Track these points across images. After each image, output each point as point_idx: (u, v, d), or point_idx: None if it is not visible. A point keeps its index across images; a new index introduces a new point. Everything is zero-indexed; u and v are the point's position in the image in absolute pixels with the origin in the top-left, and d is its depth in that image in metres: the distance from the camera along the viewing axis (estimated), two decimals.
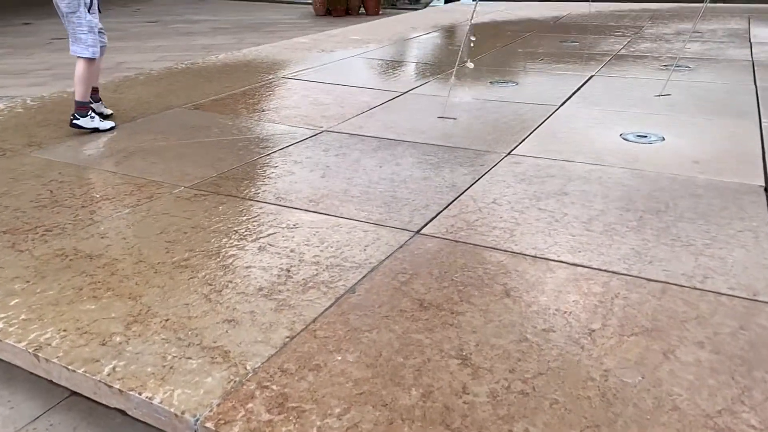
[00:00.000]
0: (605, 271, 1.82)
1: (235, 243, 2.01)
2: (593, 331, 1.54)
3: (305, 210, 2.26)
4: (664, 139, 3.05)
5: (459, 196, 2.38)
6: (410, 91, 4.11)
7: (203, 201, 2.35)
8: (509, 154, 2.87)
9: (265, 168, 2.74)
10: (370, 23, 7.86)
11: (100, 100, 3.45)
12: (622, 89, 4.07)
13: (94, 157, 2.87)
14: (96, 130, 3.21)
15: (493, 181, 2.54)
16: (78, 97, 3.16)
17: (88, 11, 3.08)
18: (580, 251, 1.94)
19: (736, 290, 1.72)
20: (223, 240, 2.03)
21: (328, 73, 4.70)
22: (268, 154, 2.92)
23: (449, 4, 10.14)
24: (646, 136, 3.08)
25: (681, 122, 3.34)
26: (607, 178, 2.55)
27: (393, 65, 5.12)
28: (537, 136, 3.12)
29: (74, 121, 3.17)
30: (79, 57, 3.11)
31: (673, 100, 3.74)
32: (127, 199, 2.37)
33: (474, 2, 3.89)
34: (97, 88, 3.39)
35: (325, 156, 2.87)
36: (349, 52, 5.56)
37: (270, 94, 4.11)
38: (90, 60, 3.12)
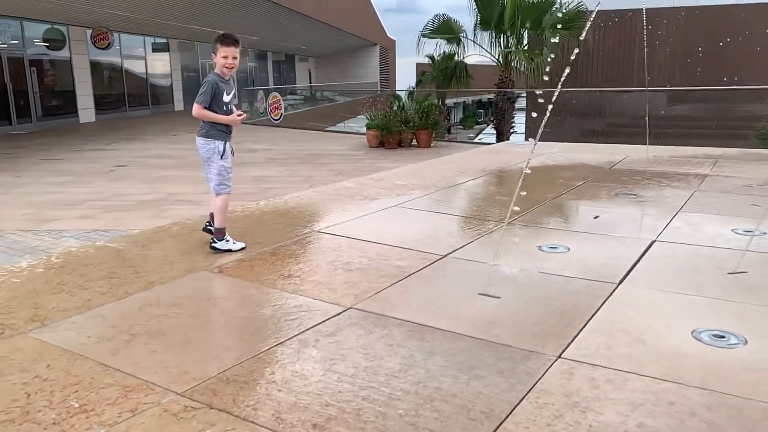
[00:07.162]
0: None
1: None
2: None
3: None
4: (746, 342, 2.56)
5: (495, 430, 1.95)
6: (451, 254, 3.80)
7: (191, 420, 2.01)
8: (559, 357, 2.44)
9: (272, 365, 2.40)
10: (418, 165, 7.79)
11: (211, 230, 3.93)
12: (689, 262, 3.63)
13: (92, 341, 2.62)
14: (229, 251, 3.79)
15: (539, 404, 2.10)
16: (217, 225, 3.80)
17: (221, 158, 3.76)
18: None
19: None
20: None
21: (366, 228, 4.48)
22: (282, 342, 2.60)
23: (500, 144, 10.15)
24: (723, 337, 2.60)
25: (764, 314, 2.86)
26: (680, 406, 2.07)
27: (435, 218, 4.86)
28: (592, 330, 2.69)
29: (213, 245, 3.79)
30: (217, 193, 3.80)
31: (750, 280, 3.26)
32: (108, 413, 2.05)
33: (533, 144, 3.66)
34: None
35: (344, 349, 2.52)
36: (393, 201, 5.37)
37: (300, 255, 3.87)
38: (226, 194, 3.80)
